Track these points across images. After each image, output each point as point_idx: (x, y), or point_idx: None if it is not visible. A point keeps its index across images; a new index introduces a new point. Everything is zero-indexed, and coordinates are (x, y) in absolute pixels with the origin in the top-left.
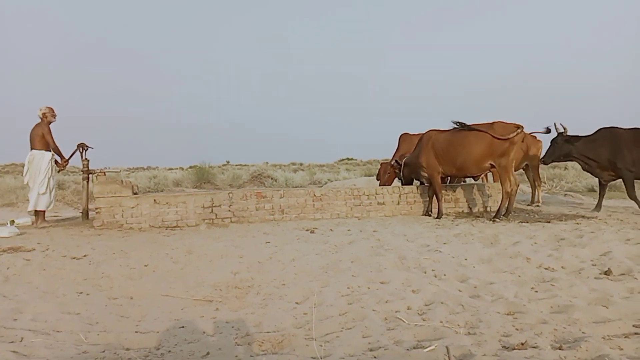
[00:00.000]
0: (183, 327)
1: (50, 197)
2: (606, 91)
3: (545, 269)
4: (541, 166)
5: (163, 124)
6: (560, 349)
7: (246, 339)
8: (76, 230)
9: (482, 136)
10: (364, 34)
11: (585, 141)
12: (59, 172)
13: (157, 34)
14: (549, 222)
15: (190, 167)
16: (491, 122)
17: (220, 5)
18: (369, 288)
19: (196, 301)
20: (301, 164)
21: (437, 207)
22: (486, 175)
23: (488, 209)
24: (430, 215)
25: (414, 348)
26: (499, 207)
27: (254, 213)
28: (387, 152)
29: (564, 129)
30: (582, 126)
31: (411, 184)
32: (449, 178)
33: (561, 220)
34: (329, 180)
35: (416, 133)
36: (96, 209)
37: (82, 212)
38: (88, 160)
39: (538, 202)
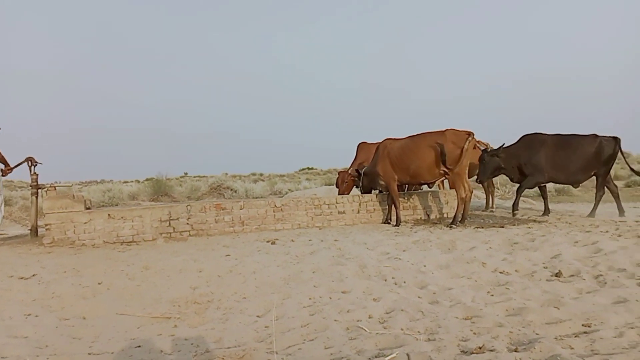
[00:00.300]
0: (139, 346)
1: None
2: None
3: (500, 272)
4: None
5: (117, 134)
6: (515, 351)
7: (206, 355)
8: (24, 249)
9: (434, 143)
10: (321, 39)
11: (508, 150)
12: (3, 175)
13: (107, 41)
14: (503, 227)
15: (147, 179)
16: (443, 129)
17: (163, 16)
18: (330, 298)
19: (153, 319)
20: (261, 174)
21: (395, 215)
22: (442, 183)
23: (445, 215)
24: (389, 223)
25: (376, 357)
26: (455, 213)
27: (213, 225)
28: (346, 160)
29: (485, 145)
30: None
31: (370, 192)
32: (406, 186)
33: (514, 225)
34: (289, 190)
35: (374, 142)
36: (46, 225)
37: (30, 229)
38: (37, 175)
39: (492, 207)
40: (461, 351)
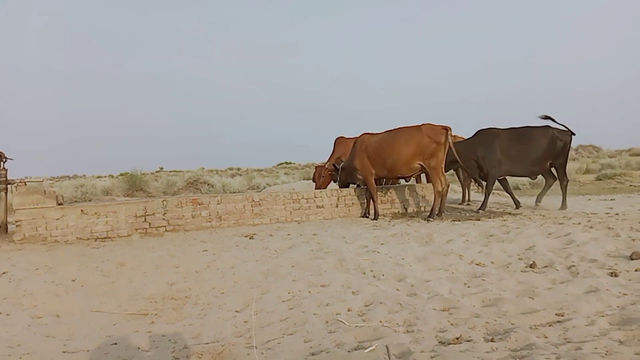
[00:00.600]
0: (116, 343)
1: None
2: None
3: (477, 264)
4: None
5: (90, 129)
6: (492, 341)
7: (184, 352)
8: None
9: (411, 137)
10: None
11: (463, 144)
12: None
13: (80, 38)
14: (479, 220)
15: (121, 174)
16: (419, 124)
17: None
18: (309, 292)
19: (130, 315)
20: (239, 169)
21: (373, 208)
22: (419, 177)
23: (422, 208)
24: (367, 217)
25: (355, 349)
26: (432, 206)
27: (190, 221)
28: (324, 155)
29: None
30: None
31: (347, 187)
32: (384, 180)
33: (490, 218)
34: (267, 185)
35: (351, 137)
36: (16, 222)
37: (0, 226)
38: (6, 170)
39: (469, 201)
40: (439, 342)
